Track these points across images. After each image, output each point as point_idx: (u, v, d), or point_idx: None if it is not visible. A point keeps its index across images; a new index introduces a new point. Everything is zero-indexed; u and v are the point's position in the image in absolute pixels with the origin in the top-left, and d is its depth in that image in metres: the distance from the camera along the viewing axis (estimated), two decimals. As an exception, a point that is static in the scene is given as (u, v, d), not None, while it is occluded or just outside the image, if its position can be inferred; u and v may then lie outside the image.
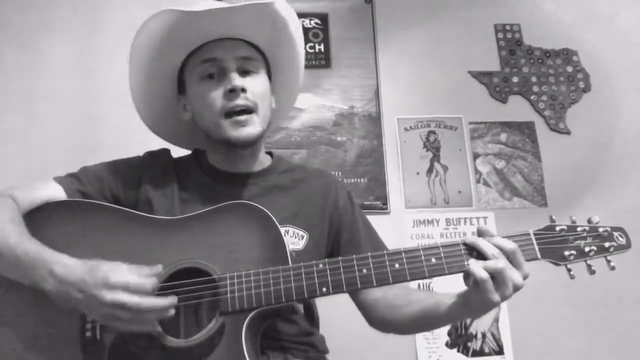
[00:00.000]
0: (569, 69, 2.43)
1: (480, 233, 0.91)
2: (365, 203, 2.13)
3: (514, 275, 0.86)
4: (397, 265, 0.90)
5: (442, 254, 0.90)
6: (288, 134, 2.20)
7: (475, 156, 2.28)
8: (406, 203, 2.18)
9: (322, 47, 2.32)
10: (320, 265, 0.91)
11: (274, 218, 0.97)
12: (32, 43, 2.16)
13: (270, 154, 1.26)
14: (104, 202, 1.07)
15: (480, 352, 2.04)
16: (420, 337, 2.02)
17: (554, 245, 0.91)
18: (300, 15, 1.68)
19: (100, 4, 2.24)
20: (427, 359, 2.01)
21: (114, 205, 1.06)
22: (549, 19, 2.50)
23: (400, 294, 1.11)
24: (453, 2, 2.47)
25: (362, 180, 2.18)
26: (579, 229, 0.92)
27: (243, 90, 1.06)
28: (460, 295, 0.94)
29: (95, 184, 1.10)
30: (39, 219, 1.00)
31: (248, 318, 0.90)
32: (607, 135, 2.35)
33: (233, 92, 1.06)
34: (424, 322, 1.05)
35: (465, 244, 0.90)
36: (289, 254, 0.94)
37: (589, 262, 0.91)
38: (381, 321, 1.13)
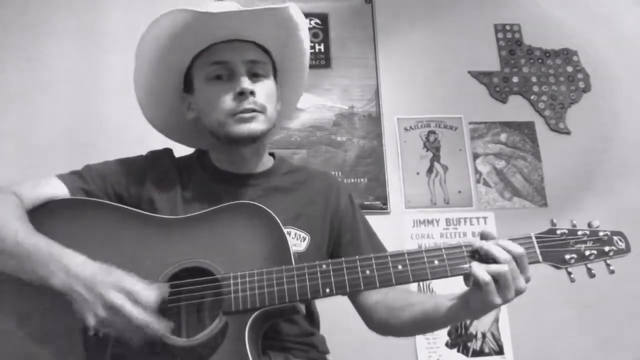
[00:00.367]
0: (569, 69, 2.43)
1: (486, 236, 0.91)
2: (365, 203, 2.13)
3: (518, 279, 0.86)
4: (400, 267, 0.90)
5: (444, 256, 0.90)
6: (288, 134, 2.20)
7: (475, 156, 2.29)
8: (406, 203, 2.18)
9: (322, 47, 2.32)
10: (324, 266, 0.91)
11: (277, 218, 0.97)
12: (32, 43, 2.15)
13: (272, 155, 1.26)
14: (107, 201, 1.07)
15: (480, 352, 2.04)
16: (420, 337, 2.02)
17: (555, 249, 0.91)
18: (301, 15, 1.68)
19: (100, 4, 2.24)
20: (427, 359, 2.01)
21: (117, 204, 1.05)
22: (549, 19, 2.50)
23: (399, 296, 1.10)
24: (453, 2, 2.47)
25: (362, 180, 2.18)
26: (579, 232, 0.93)
27: (252, 93, 1.06)
28: (460, 296, 0.94)
29: (99, 182, 1.09)
30: (42, 216, 0.99)
31: (251, 318, 0.89)
32: (607, 135, 2.35)
33: (242, 95, 1.06)
34: (424, 323, 1.04)
35: (467, 246, 0.90)
36: (292, 254, 0.94)
37: (589, 265, 0.92)
38: (381, 324, 1.13)
